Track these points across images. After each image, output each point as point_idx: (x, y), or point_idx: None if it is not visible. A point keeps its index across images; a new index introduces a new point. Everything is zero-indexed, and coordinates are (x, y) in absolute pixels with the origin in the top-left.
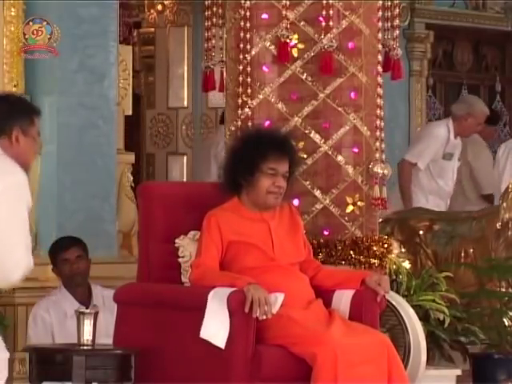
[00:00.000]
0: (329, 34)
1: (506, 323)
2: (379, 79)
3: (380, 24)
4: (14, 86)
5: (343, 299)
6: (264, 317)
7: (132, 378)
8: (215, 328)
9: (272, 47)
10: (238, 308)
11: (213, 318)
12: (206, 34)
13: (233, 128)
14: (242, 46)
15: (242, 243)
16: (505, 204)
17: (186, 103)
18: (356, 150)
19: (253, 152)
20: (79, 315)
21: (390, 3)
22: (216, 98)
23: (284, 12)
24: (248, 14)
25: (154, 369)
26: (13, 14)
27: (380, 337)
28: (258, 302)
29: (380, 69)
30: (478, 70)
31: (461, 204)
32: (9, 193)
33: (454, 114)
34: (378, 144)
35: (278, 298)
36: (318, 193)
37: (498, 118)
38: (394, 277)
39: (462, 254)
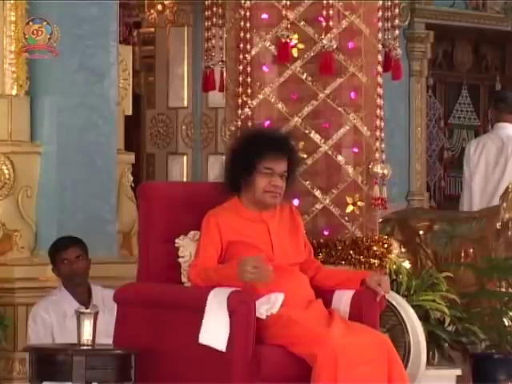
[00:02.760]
0: (329, 34)
1: (506, 323)
2: (379, 79)
3: (380, 24)
4: (20, 85)
5: (343, 299)
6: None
7: (132, 378)
8: (215, 331)
9: (272, 47)
10: (237, 308)
11: (212, 320)
12: (206, 34)
13: (233, 128)
14: (241, 46)
15: (241, 243)
16: (505, 204)
17: (185, 103)
18: (356, 149)
19: (250, 151)
20: (79, 315)
21: (390, 3)
22: (216, 98)
23: (284, 12)
24: (248, 14)
25: (154, 369)
26: (15, 14)
27: (380, 337)
28: (254, 275)
29: (380, 69)
30: (478, 70)
31: None
32: None
33: None
34: (378, 144)
35: (278, 298)
36: (318, 193)
37: None
38: (394, 277)
39: (462, 254)
